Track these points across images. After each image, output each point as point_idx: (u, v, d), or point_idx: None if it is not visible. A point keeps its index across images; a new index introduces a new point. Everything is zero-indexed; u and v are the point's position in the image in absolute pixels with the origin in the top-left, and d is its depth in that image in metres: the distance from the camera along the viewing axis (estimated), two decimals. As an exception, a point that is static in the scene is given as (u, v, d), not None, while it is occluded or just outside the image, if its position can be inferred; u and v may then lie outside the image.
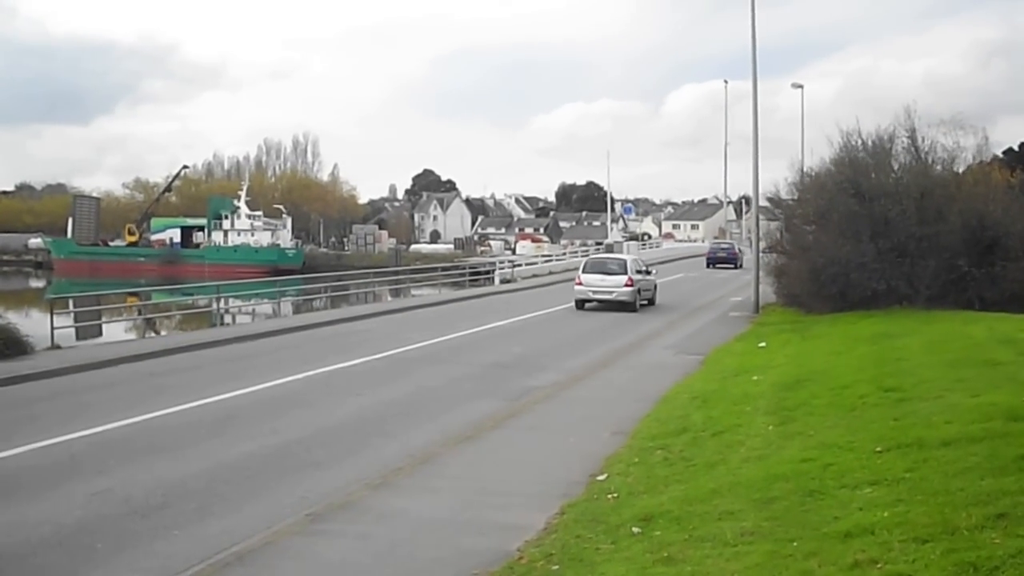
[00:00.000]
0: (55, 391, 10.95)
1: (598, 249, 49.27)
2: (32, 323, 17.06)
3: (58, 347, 14.15)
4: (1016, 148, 39.60)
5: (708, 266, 42.83)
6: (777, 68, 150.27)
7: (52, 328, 14.38)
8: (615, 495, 6.17)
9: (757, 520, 4.93)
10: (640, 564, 4.59)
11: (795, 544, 4.37)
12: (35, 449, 7.87)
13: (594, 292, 21.87)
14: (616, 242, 50.89)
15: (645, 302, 22.77)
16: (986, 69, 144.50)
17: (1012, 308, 16.01)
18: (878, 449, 5.89)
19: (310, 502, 6.43)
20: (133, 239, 68.06)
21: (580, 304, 22.08)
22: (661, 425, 8.54)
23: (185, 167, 77.67)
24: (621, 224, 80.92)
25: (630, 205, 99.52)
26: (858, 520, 4.50)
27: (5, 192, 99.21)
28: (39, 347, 13.66)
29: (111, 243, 68.87)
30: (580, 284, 22.25)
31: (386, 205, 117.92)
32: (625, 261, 23.21)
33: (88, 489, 6.73)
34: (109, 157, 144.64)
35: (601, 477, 6.77)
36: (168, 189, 74.81)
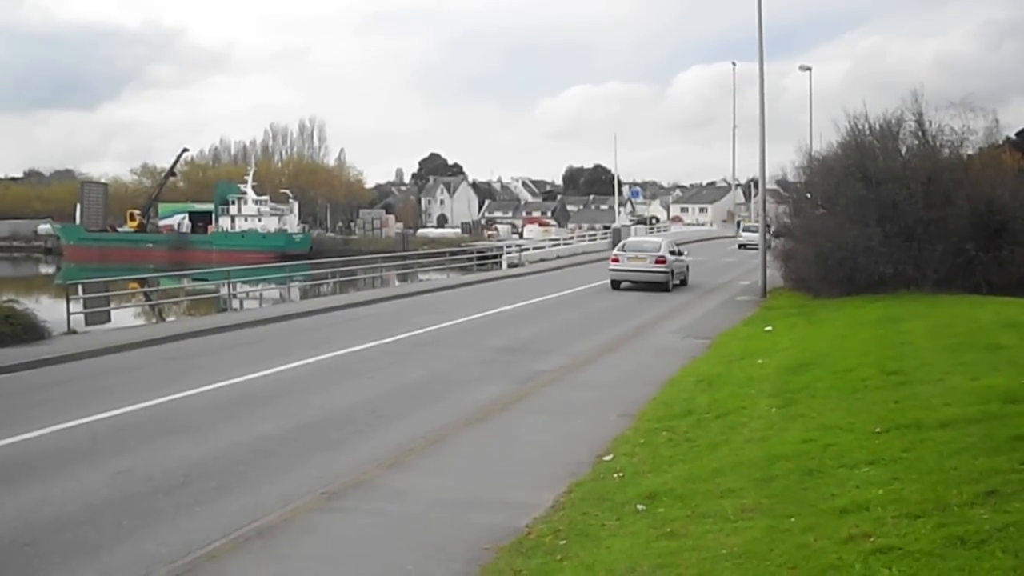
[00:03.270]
0: (74, 375, 11.22)
1: (606, 234, 49.42)
2: (46, 309, 17.37)
3: (74, 332, 14.43)
4: (1027, 130, 39.16)
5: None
6: (786, 49, 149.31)
7: (68, 313, 14.66)
8: (621, 474, 6.35)
9: (757, 497, 5.11)
10: (644, 539, 4.78)
11: (793, 520, 4.55)
12: (58, 431, 8.13)
13: (747, 242, 39.16)
14: (624, 226, 50.78)
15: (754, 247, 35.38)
16: (998, 50, 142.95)
17: (1019, 292, 16.05)
18: (877, 430, 6.06)
19: (326, 481, 6.65)
20: (134, 224, 68.44)
21: (741, 247, 41.81)
22: (667, 408, 8.71)
23: (185, 150, 77.62)
24: (629, 208, 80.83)
25: (638, 188, 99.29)
26: (854, 497, 4.67)
27: (14, 179, 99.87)
28: (56, 332, 13.94)
29: (119, 229, 69.33)
30: (740, 237, 45.72)
31: (393, 189, 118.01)
32: (754, 227, 38.50)
33: (111, 469, 6.97)
34: (116, 143, 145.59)
35: (607, 457, 6.96)
36: (172, 174, 74.91)
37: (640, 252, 23.59)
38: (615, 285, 23.50)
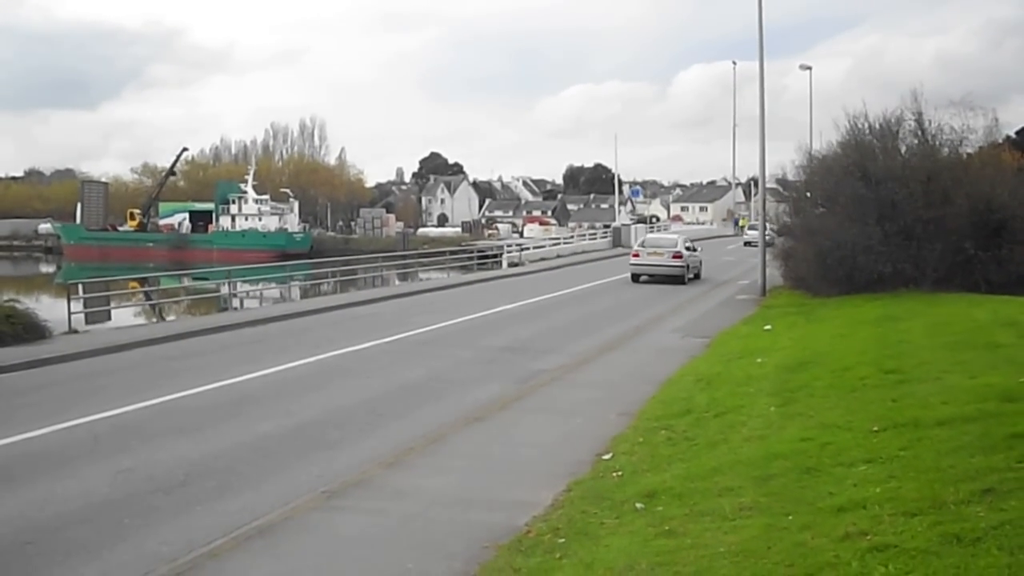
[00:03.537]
0: (75, 374, 11.25)
1: (606, 233, 49.50)
2: (46, 308, 17.38)
3: (75, 331, 14.46)
4: (1027, 129, 39.14)
5: None
6: (786, 48, 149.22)
7: (69, 313, 14.69)
8: (620, 473, 6.38)
9: (755, 496, 5.13)
10: (642, 537, 4.80)
11: (790, 518, 4.58)
12: (59, 430, 8.16)
13: (753, 240, 34.06)
14: (624, 225, 50.86)
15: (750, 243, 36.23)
16: (998, 49, 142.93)
17: (1018, 291, 16.07)
18: (875, 429, 6.08)
19: (326, 480, 6.68)
20: (135, 224, 68.48)
21: (746, 244, 41.29)
22: (666, 406, 8.73)
23: (185, 149, 77.27)
24: (629, 207, 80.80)
25: (638, 187, 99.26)
26: (851, 495, 4.70)
27: (14, 178, 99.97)
28: (57, 331, 13.97)
29: (120, 228, 69.38)
30: (746, 235, 45.47)
31: (393, 189, 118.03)
32: (757, 226, 33.86)
33: (112, 468, 7.00)
34: (117, 142, 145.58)
35: (607, 456, 6.99)
36: (172, 173, 74.84)
37: (659, 248, 25.84)
38: (635, 278, 25.33)
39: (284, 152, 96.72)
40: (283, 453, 7.54)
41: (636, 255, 25.84)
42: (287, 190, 70.31)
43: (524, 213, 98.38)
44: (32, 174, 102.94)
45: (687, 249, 25.84)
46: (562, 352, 13.06)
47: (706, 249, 41.21)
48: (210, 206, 68.57)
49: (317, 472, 6.95)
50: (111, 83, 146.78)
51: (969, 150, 19.35)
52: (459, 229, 76.55)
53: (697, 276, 26.52)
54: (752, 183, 76.28)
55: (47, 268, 62.23)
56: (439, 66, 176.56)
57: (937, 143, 18.83)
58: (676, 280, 24.66)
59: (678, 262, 24.84)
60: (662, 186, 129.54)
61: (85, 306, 16.18)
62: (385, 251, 41.38)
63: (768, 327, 14.75)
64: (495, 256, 36.52)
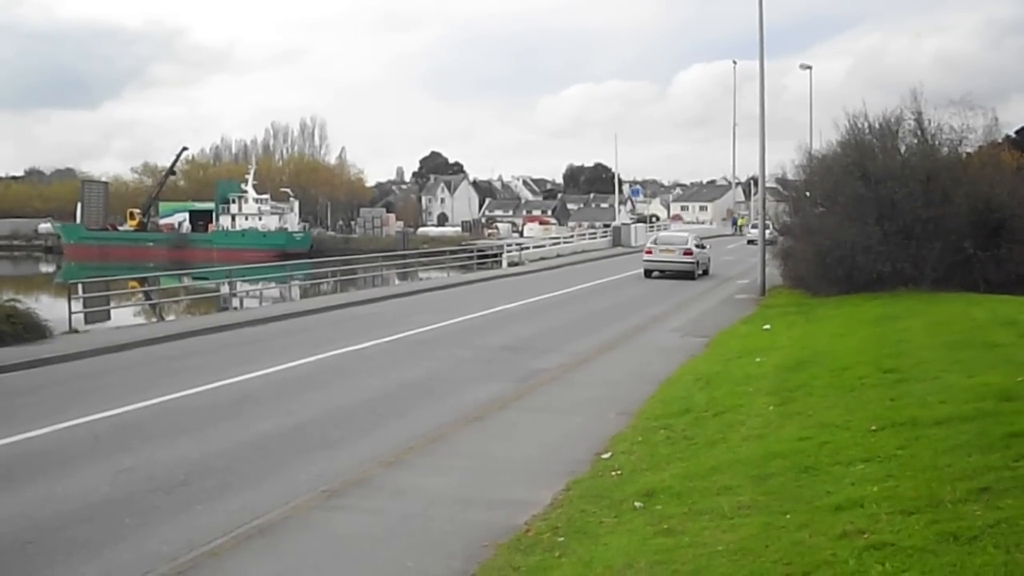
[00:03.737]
0: (75, 374, 11.27)
1: (606, 232, 49.52)
2: (46, 307, 17.38)
3: (75, 331, 14.48)
4: (1027, 128, 39.16)
5: None
6: (786, 48, 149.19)
7: (70, 313, 14.71)
8: (619, 472, 6.40)
9: (754, 495, 5.15)
10: (641, 536, 4.82)
11: (788, 517, 4.60)
12: (60, 430, 8.18)
13: (756, 238, 31.91)
14: (624, 224, 50.87)
15: (753, 242, 33.31)
16: (998, 48, 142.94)
17: (1017, 290, 16.10)
18: (873, 428, 6.10)
19: (326, 479, 6.70)
20: (135, 223, 68.49)
21: (750, 242, 40.45)
22: (665, 406, 8.75)
23: (185, 148, 76.93)
24: (629, 206, 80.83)
25: (638, 187, 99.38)
26: (849, 494, 4.72)
27: (15, 177, 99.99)
28: (57, 331, 13.98)
29: (120, 228, 69.39)
30: (748, 234, 45.78)
31: (393, 188, 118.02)
32: (757, 229, 33.25)
33: (113, 467, 7.02)
34: (117, 141, 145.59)
35: (606, 455, 7.00)
36: (172, 172, 74.75)
37: (670, 245, 27.22)
38: (647, 274, 26.54)
39: (284, 152, 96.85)
40: (283, 452, 7.55)
41: (649, 252, 27.07)
42: (287, 189, 70.28)
43: (524, 212, 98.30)
44: (32, 174, 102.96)
45: (697, 246, 27.07)
46: (561, 351, 13.08)
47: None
48: (210, 206, 68.56)
49: (317, 471, 6.97)
50: (112, 82, 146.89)
51: (969, 150, 19.38)
52: (459, 228, 76.51)
53: (706, 272, 27.61)
54: (752, 182, 76.18)
55: (47, 268, 62.25)
56: (440, 66, 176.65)
57: (937, 143, 18.85)
58: (687, 276, 25.76)
59: (688, 258, 26.12)
60: (662, 185, 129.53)
61: (85, 306, 16.19)
62: (385, 251, 41.37)
63: (767, 326, 14.76)
64: (495, 255, 36.51)
